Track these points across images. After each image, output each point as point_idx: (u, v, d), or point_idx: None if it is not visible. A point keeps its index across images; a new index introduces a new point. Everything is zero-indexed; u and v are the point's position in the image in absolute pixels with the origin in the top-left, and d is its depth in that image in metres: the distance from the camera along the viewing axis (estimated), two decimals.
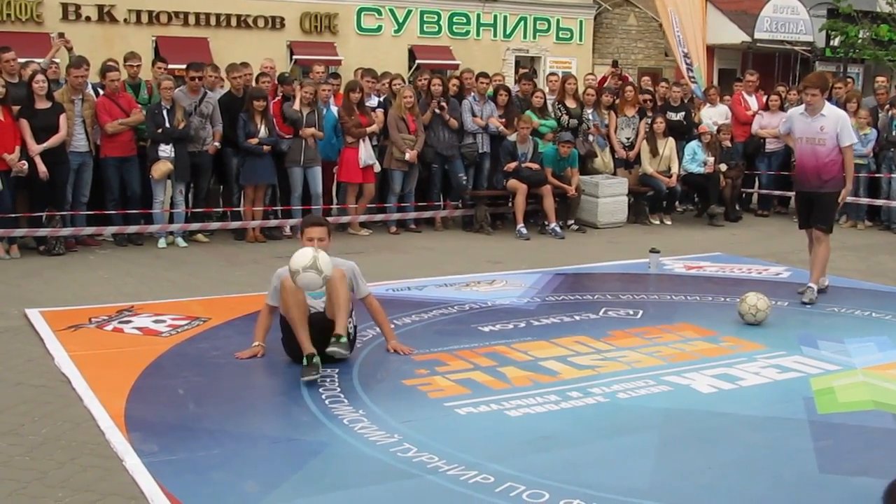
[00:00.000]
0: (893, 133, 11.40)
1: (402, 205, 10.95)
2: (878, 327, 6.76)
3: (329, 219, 8.93)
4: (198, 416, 4.74)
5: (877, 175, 11.68)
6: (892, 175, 11.50)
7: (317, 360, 5.24)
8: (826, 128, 7.41)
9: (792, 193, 10.95)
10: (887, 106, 11.74)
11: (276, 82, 10.86)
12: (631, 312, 7.08)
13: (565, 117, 11.58)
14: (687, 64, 15.03)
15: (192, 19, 19.91)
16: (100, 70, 9.82)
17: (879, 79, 12.39)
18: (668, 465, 4.22)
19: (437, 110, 10.77)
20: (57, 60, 10.09)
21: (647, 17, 24.65)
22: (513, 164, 10.83)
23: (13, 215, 8.79)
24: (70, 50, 10.26)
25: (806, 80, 7.71)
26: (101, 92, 9.57)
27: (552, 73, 13.47)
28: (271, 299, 5.71)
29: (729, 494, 3.93)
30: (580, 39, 24.10)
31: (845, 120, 7.57)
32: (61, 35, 10.54)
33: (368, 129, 10.44)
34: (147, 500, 3.77)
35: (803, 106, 7.63)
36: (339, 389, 5.14)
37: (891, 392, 5.30)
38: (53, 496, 3.78)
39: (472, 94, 11.22)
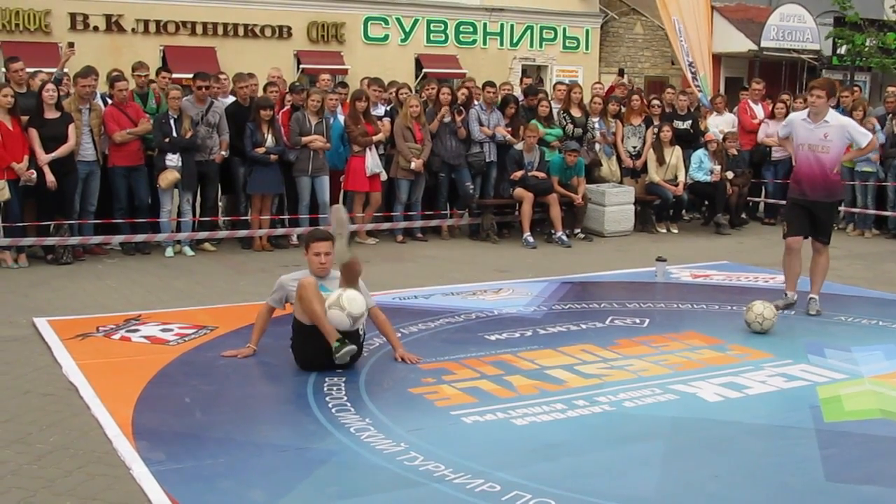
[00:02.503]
0: None
1: (409, 213, 10.97)
2: (885, 336, 6.75)
3: None
4: (205, 424, 4.75)
5: (884, 183, 11.67)
6: None
7: (346, 340, 5.40)
8: (830, 135, 7.20)
9: None
10: (890, 115, 11.72)
11: (283, 91, 10.90)
12: (637, 321, 7.08)
13: (570, 126, 11.59)
14: (692, 72, 15.03)
15: (199, 29, 19.96)
16: (108, 80, 9.88)
17: (890, 88, 12.32)
18: (675, 473, 4.22)
19: (456, 114, 10.80)
20: (66, 71, 10.14)
21: (653, 25, 24.65)
22: (519, 173, 10.84)
23: (21, 224, 8.82)
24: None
25: (814, 82, 7.50)
26: (109, 101, 9.62)
27: (559, 83, 13.49)
28: (273, 301, 5.90)
29: (735, 503, 3.93)
30: (587, 48, 24.10)
31: (852, 124, 7.48)
32: (71, 45, 10.59)
33: (375, 138, 10.47)
34: None
35: (806, 112, 7.44)
36: (345, 398, 5.15)
37: None
38: None
39: (479, 102, 11.24)
